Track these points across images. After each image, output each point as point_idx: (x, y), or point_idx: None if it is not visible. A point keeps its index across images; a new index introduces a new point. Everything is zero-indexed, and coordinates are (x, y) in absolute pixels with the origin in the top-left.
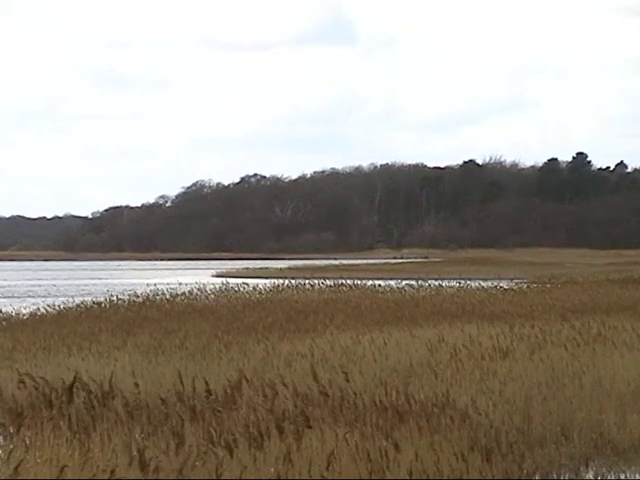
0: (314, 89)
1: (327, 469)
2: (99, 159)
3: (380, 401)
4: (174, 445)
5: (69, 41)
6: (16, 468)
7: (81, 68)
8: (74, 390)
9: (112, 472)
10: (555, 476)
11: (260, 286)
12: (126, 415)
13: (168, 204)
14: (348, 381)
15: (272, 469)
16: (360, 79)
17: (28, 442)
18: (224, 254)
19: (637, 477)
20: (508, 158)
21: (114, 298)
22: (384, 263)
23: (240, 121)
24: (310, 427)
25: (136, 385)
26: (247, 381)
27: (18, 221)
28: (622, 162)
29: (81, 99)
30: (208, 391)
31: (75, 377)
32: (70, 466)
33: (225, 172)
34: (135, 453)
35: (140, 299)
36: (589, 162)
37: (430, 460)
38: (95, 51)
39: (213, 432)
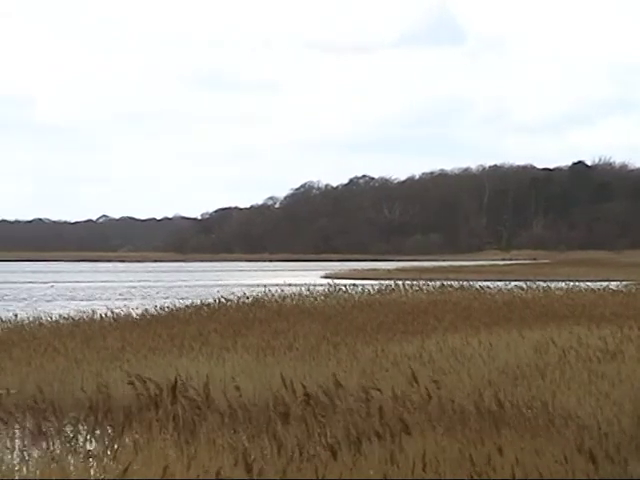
0: (421, 90)
1: (424, 470)
2: (207, 161)
3: (485, 404)
4: (276, 447)
5: (176, 45)
6: (125, 470)
7: (186, 71)
8: (180, 391)
9: (218, 473)
10: None
11: (368, 287)
12: (230, 416)
13: (277, 205)
14: (439, 389)
15: (371, 472)
16: (468, 80)
17: (135, 442)
18: (332, 255)
19: None
20: (618, 159)
21: (223, 299)
22: (492, 265)
23: (348, 123)
24: (410, 432)
25: (237, 388)
26: (341, 385)
27: (128, 222)
28: None
29: (189, 102)
30: (310, 394)
31: (176, 378)
32: (177, 467)
33: (333, 173)
34: (240, 454)
35: (249, 300)
36: None
37: (532, 463)
38: (199, 54)
39: (315, 434)
